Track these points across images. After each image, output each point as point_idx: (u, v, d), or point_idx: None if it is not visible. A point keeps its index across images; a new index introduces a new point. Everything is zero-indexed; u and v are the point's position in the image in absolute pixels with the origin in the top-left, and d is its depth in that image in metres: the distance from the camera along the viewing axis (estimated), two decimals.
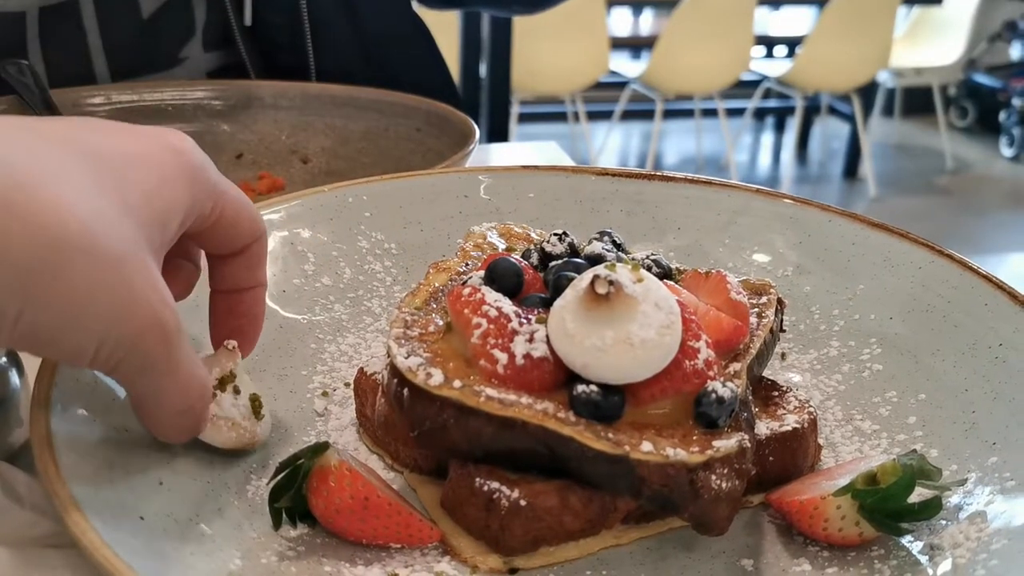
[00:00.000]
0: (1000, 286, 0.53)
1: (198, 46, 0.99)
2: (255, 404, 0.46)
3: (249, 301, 0.49)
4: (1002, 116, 5.27)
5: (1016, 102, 5.18)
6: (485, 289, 0.46)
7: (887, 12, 4.39)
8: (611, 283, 0.42)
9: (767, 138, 5.54)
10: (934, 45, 5.14)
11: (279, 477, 0.43)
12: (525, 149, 1.02)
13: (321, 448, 0.43)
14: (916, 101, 5.60)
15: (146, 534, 0.38)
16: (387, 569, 0.42)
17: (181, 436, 0.44)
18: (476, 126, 0.84)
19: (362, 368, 0.51)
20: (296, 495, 0.43)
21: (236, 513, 0.44)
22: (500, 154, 0.99)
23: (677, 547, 0.45)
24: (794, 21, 5.49)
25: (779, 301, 0.52)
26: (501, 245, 0.55)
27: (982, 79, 5.43)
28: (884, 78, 5.29)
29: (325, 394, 0.55)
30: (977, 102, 5.49)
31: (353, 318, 0.60)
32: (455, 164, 0.75)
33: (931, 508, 0.42)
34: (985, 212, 4.54)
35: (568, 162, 0.98)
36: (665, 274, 0.50)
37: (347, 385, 0.55)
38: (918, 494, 0.43)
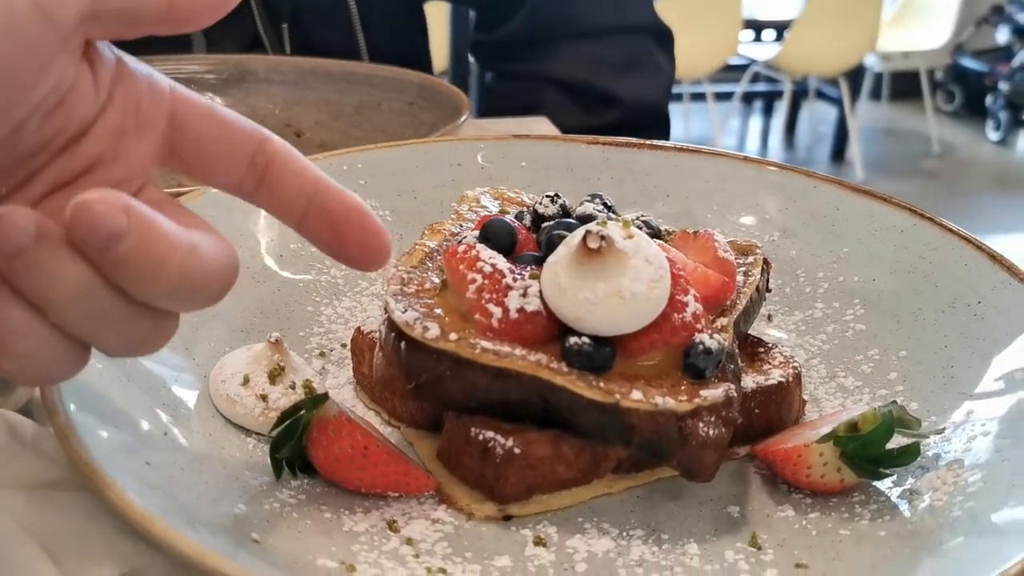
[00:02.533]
0: (979, 246, 0.55)
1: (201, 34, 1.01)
2: (308, 389, 0.48)
3: (322, 208, 0.38)
4: (988, 100, 5.30)
5: (1003, 86, 5.20)
6: (480, 246, 0.47)
7: None
8: (603, 238, 0.43)
9: (755, 122, 5.56)
10: (921, 29, 5.15)
11: (280, 428, 0.44)
12: (516, 124, 1.03)
13: (320, 399, 0.44)
14: (903, 85, 5.62)
15: (153, 479, 0.39)
16: (385, 516, 0.44)
17: None
18: (467, 99, 0.85)
19: (359, 327, 0.53)
20: (296, 446, 0.44)
21: (238, 464, 0.46)
22: (491, 128, 1.00)
23: (666, 496, 0.47)
24: (782, 5, 5.50)
25: (765, 261, 0.54)
26: (494, 208, 0.57)
27: (969, 63, 5.45)
28: (872, 62, 5.31)
29: (323, 354, 0.56)
30: (964, 86, 5.51)
31: (348, 282, 0.61)
32: (447, 135, 0.77)
33: (909, 454, 0.44)
34: (971, 195, 4.57)
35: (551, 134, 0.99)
36: (654, 234, 0.51)
37: (344, 346, 0.56)
38: (897, 442, 0.44)
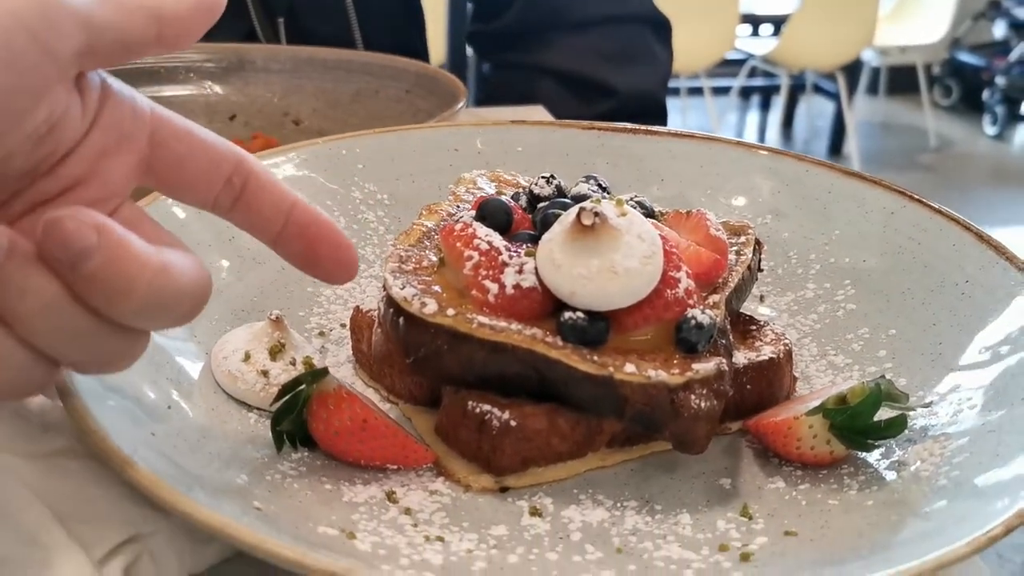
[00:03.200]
0: (967, 227, 0.56)
1: None
2: (308, 366, 0.48)
3: (297, 225, 0.40)
4: (985, 95, 5.31)
5: (999, 80, 5.21)
6: (477, 224, 0.48)
7: None
8: (596, 215, 0.44)
9: (752, 117, 5.56)
10: (918, 23, 5.16)
11: (281, 402, 0.45)
12: (513, 112, 1.04)
13: (320, 374, 0.45)
14: (900, 80, 5.63)
15: (158, 448, 0.40)
16: (384, 488, 0.44)
17: None
18: (464, 86, 0.86)
19: (358, 306, 0.54)
20: (297, 419, 0.45)
21: (239, 437, 0.46)
22: (487, 115, 1.01)
23: (659, 469, 0.48)
24: None
25: (756, 241, 0.55)
26: (491, 189, 0.58)
27: (966, 58, 5.46)
28: (869, 57, 5.32)
29: (322, 334, 0.57)
30: (961, 81, 5.52)
31: None
32: (444, 122, 0.77)
33: (897, 425, 0.45)
34: (968, 189, 4.58)
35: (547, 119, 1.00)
36: (648, 214, 0.52)
37: (343, 326, 0.57)
38: (885, 415, 0.45)
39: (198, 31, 0.37)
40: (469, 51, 1.82)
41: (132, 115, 0.37)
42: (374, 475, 0.45)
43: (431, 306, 0.45)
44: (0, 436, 0.38)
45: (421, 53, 1.25)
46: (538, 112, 1.05)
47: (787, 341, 0.52)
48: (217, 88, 0.93)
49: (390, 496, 0.44)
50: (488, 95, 1.22)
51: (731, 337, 0.49)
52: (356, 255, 0.42)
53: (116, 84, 0.37)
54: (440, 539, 0.41)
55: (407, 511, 0.43)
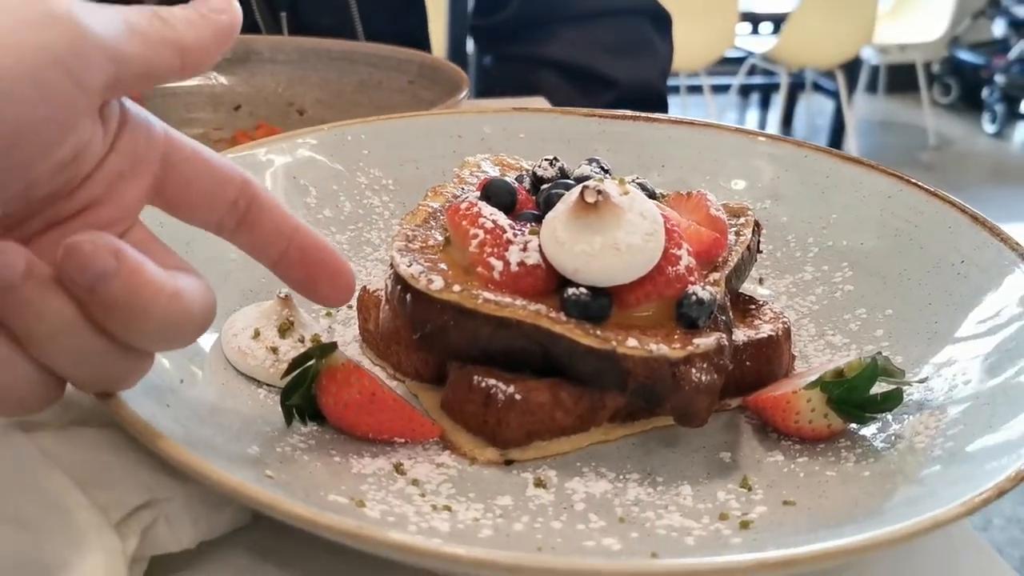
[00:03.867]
0: (963, 209, 0.57)
1: None
2: (316, 343, 0.49)
3: (298, 249, 0.41)
4: (985, 93, 5.32)
5: (999, 79, 5.22)
6: (482, 204, 0.49)
7: None
8: (599, 192, 0.45)
9: (752, 115, 5.57)
10: (918, 22, 5.17)
11: (290, 376, 0.46)
12: (515, 103, 1.05)
13: (329, 348, 0.46)
14: (900, 78, 5.64)
15: (172, 418, 0.41)
16: (392, 460, 0.45)
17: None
18: (467, 76, 0.87)
19: (365, 287, 0.55)
20: (306, 393, 0.46)
21: (249, 411, 0.47)
22: (489, 105, 1.02)
23: (660, 443, 0.49)
24: None
25: (756, 223, 0.56)
26: (495, 172, 0.59)
27: (965, 56, 5.47)
28: (868, 55, 5.32)
29: (329, 314, 0.58)
30: (960, 79, 5.53)
31: (353, 248, 0.63)
32: (447, 109, 0.78)
33: (893, 398, 0.46)
34: (967, 188, 4.59)
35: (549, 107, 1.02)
36: (650, 195, 0.53)
37: (349, 306, 0.58)
38: (882, 389, 0.46)
39: (217, 56, 0.38)
40: (470, 44, 1.83)
41: (147, 138, 0.38)
42: (382, 448, 0.46)
43: (437, 282, 0.46)
44: None
45: (423, 44, 1.26)
46: (539, 103, 1.06)
47: (786, 319, 0.53)
48: (223, 79, 0.94)
49: (398, 468, 0.45)
50: (489, 87, 1.23)
51: (731, 314, 0.50)
52: (354, 281, 0.42)
53: (133, 108, 0.38)
54: (447, 508, 0.42)
55: (415, 482, 0.44)
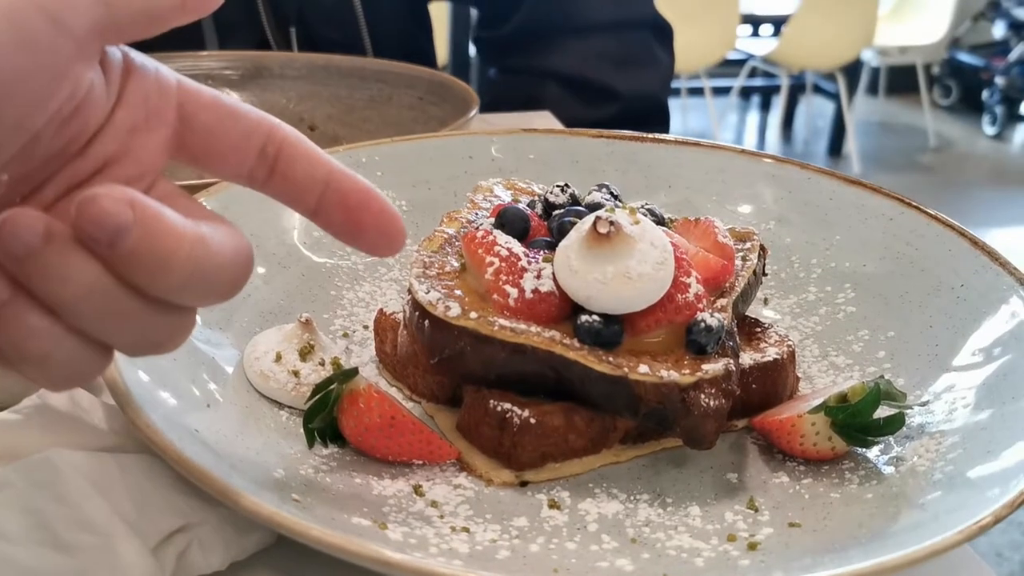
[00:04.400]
0: (962, 233, 0.59)
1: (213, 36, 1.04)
2: (336, 366, 0.51)
3: (337, 192, 0.37)
4: (985, 95, 5.33)
5: (999, 81, 5.24)
6: (497, 232, 0.50)
7: None
8: (612, 223, 0.46)
9: (752, 116, 5.59)
10: (918, 24, 5.19)
11: (313, 400, 0.48)
12: (522, 118, 1.07)
13: (351, 373, 0.48)
14: (900, 80, 5.65)
15: (202, 443, 0.43)
16: (411, 482, 0.47)
17: None
18: (475, 94, 0.88)
19: (381, 309, 0.56)
20: (328, 416, 0.48)
21: (273, 434, 0.49)
22: (499, 122, 1.04)
23: (669, 464, 0.50)
24: (780, 0, 5.53)
25: (761, 247, 0.57)
26: (507, 197, 0.60)
27: (965, 58, 5.48)
28: (868, 57, 5.34)
29: (346, 335, 0.60)
30: (960, 81, 5.54)
31: (368, 268, 0.65)
32: (457, 129, 0.80)
33: (895, 423, 0.47)
34: (967, 189, 4.61)
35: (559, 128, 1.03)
36: (658, 222, 0.55)
37: (365, 327, 0.60)
38: (884, 412, 0.48)
39: None
40: (472, 56, 1.84)
41: (158, 88, 0.35)
42: (400, 470, 0.48)
43: (455, 309, 0.48)
44: (60, 432, 0.41)
45: (429, 57, 1.28)
46: (545, 117, 1.07)
47: (790, 343, 0.54)
48: (235, 94, 0.96)
49: (417, 490, 0.46)
50: (493, 99, 1.24)
51: (738, 339, 0.51)
52: (403, 225, 0.39)
53: (139, 57, 0.35)
54: (465, 530, 0.44)
55: (433, 504, 0.46)
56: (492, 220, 0.53)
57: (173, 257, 0.32)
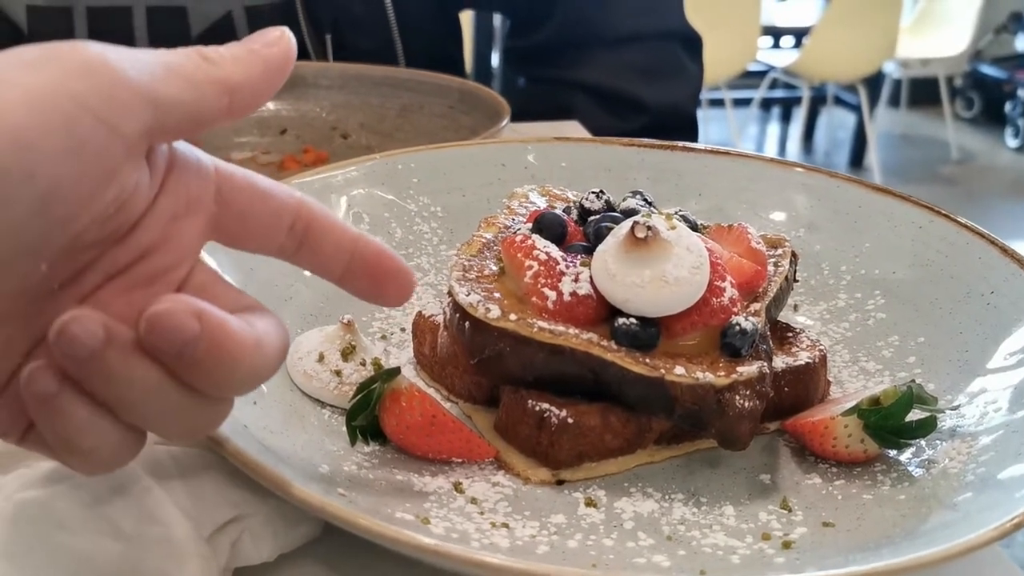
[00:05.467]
0: (992, 241, 0.59)
1: None
2: (377, 366, 0.52)
3: (362, 261, 0.40)
4: (1007, 107, 5.31)
5: (1021, 93, 5.22)
6: (535, 237, 0.52)
7: (893, 3, 4.43)
8: (649, 228, 0.48)
9: (773, 128, 5.58)
10: (940, 36, 5.17)
11: (356, 399, 0.49)
12: (550, 128, 1.08)
13: (394, 373, 0.49)
14: (922, 92, 5.64)
15: (251, 438, 0.44)
16: (450, 480, 0.48)
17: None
18: (506, 103, 0.90)
19: (420, 311, 0.58)
20: (370, 415, 0.49)
21: (316, 432, 0.50)
22: (527, 131, 1.05)
23: (703, 464, 0.51)
24: (801, 11, 5.53)
25: (792, 254, 0.58)
26: (542, 203, 0.61)
27: (988, 70, 5.47)
28: (890, 69, 5.33)
29: (384, 337, 0.61)
30: (983, 93, 5.53)
31: None
32: (490, 138, 0.81)
33: (927, 426, 0.48)
34: (990, 202, 4.59)
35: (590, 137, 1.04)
36: (692, 227, 0.56)
37: (403, 330, 0.61)
38: (916, 416, 0.49)
39: (270, 92, 0.37)
40: (494, 64, 1.86)
41: (198, 176, 0.36)
42: (440, 467, 0.49)
43: (494, 311, 0.49)
44: None
45: (459, 65, 1.29)
46: (573, 127, 1.09)
47: (822, 347, 0.55)
48: (269, 104, 0.98)
49: (457, 487, 0.48)
50: (522, 108, 1.26)
51: (770, 342, 0.52)
52: (414, 279, 0.42)
53: (182, 147, 0.36)
54: (505, 526, 0.45)
55: (473, 500, 0.47)
56: (530, 225, 0.55)
57: (237, 364, 0.33)
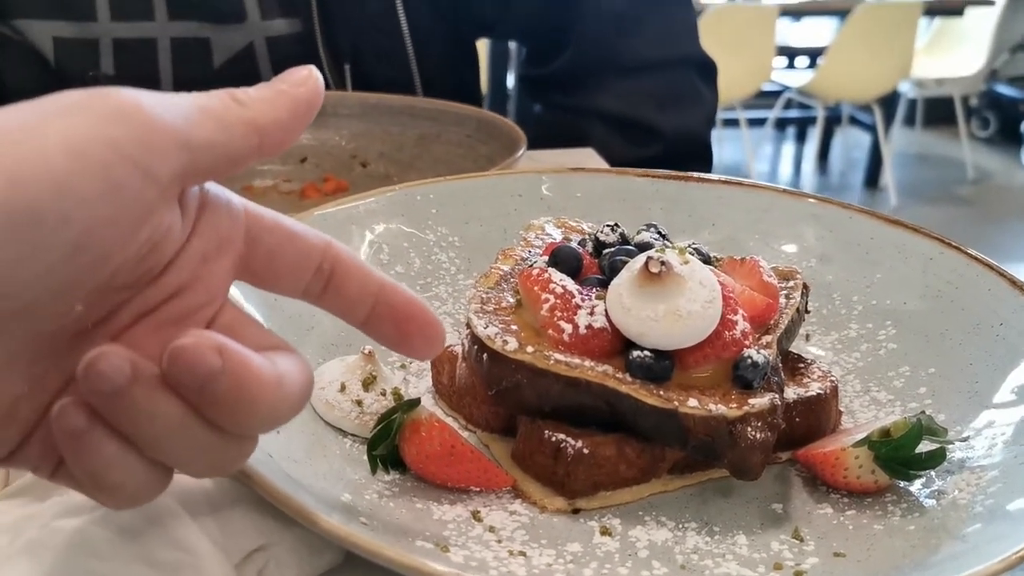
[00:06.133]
0: (1001, 273, 0.60)
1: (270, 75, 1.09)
2: (397, 396, 0.54)
3: (387, 306, 0.40)
4: (1023, 127, 5.30)
5: None
6: (551, 270, 0.53)
7: (909, 23, 4.44)
8: (662, 263, 0.49)
9: (788, 148, 5.60)
10: (955, 56, 5.18)
11: (378, 428, 0.51)
12: (566, 155, 1.10)
13: (414, 403, 0.50)
14: (937, 111, 5.64)
15: (276, 468, 0.45)
16: (469, 508, 0.49)
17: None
18: (523, 133, 0.91)
19: None
20: (391, 444, 0.50)
21: (338, 460, 0.52)
22: (543, 159, 1.07)
23: (716, 494, 0.52)
24: (816, 32, 5.55)
25: (804, 285, 0.59)
26: (558, 235, 0.63)
27: (1003, 90, 5.46)
28: (905, 88, 5.33)
29: (403, 366, 0.62)
30: (998, 112, 5.52)
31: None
32: (507, 168, 0.83)
33: (936, 457, 0.49)
34: (1006, 222, 4.57)
35: (604, 166, 1.06)
36: (705, 260, 0.57)
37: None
38: (925, 447, 0.50)
39: (298, 132, 0.37)
40: (509, 89, 1.88)
41: (229, 217, 0.37)
42: (459, 496, 0.50)
43: (512, 344, 0.51)
44: None
45: (475, 93, 1.31)
46: (588, 154, 1.10)
47: (833, 378, 0.56)
48: None
49: (475, 515, 0.49)
50: (538, 135, 1.27)
51: (782, 374, 0.53)
52: (444, 332, 0.42)
53: (213, 188, 0.37)
54: (522, 554, 0.46)
55: (491, 529, 0.48)
56: (546, 258, 0.56)
57: (258, 401, 0.33)
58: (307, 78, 0.38)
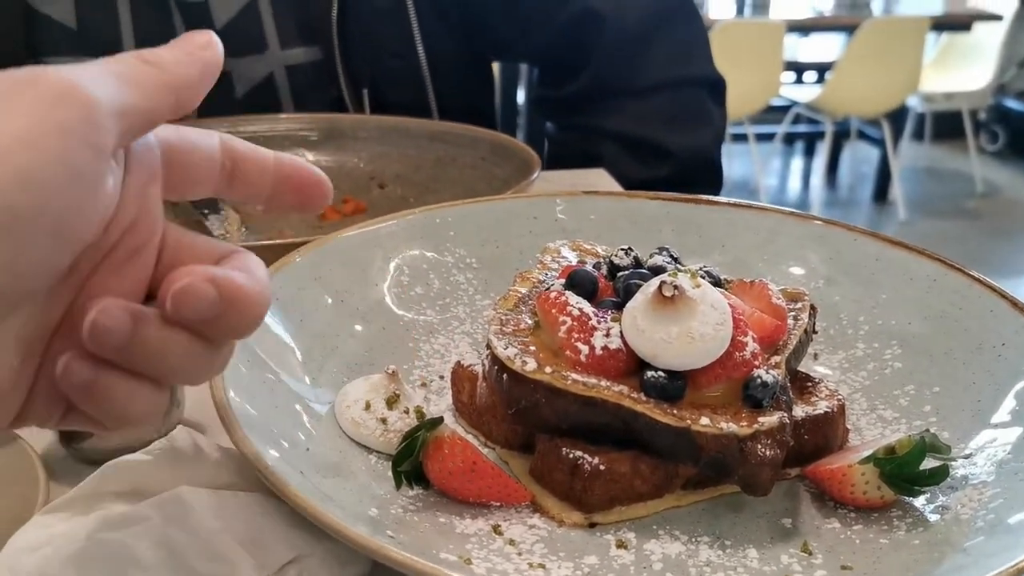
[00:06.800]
0: (1003, 295, 0.62)
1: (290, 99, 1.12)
2: (419, 414, 0.56)
3: (285, 179, 0.42)
4: None
5: None
6: (568, 293, 0.55)
7: (917, 38, 4.47)
8: (675, 287, 0.51)
9: (796, 162, 5.61)
10: (964, 70, 5.19)
11: (402, 446, 0.53)
12: (578, 176, 1.12)
13: (437, 422, 0.52)
14: (946, 126, 5.65)
15: (306, 483, 0.47)
16: (489, 522, 0.52)
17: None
18: (537, 155, 0.93)
19: (459, 361, 0.61)
20: (415, 460, 0.53)
21: (364, 476, 0.54)
22: (554, 180, 1.09)
23: (727, 508, 0.54)
24: (824, 47, 5.57)
25: (811, 307, 0.61)
26: (573, 258, 0.65)
27: (1012, 104, 5.48)
28: (914, 103, 5.35)
29: (424, 385, 0.65)
30: (1007, 126, 5.53)
31: (442, 322, 0.70)
32: (522, 190, 0.85)
33: (940, 474, 0.51)
34: (1015, 236, 4.58)
35: (617, 187, 1.08)
36: (716, 283, 0.59)
37: (441, 377, 0.65)
38: (930, 464, 0.51)
39: (205, 91, 0.39)
40: (519, 107, 1.91)
41: (147, 147, 0.38)
42: (480, 511, 0.52)
43: (531, 364, 0.53)
44: (186, 471, 0.46)
45: (489, 115, 1.34)
46: (600, 175, 1.12)
47: (840, 397, 0.58)
48: (309, 155, 1.02)
49: (496, 529, 0.51)
50: (552, 156, 1.30)
51: (791, 393, 0.55)
52: (330, 184, 0.44)
53: None
54: (542, 566, 0.48)
55: (511, 542, 0.50)
56: (562, 281, 0.58)
57: (249, 311, 0.36)
58: (209, 42, 0.39)
